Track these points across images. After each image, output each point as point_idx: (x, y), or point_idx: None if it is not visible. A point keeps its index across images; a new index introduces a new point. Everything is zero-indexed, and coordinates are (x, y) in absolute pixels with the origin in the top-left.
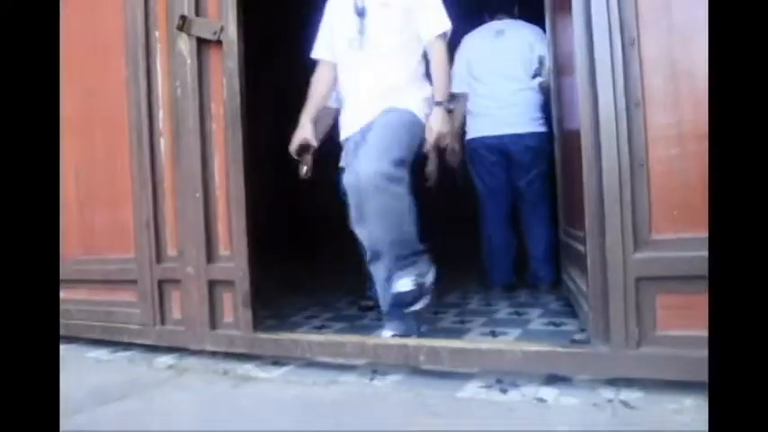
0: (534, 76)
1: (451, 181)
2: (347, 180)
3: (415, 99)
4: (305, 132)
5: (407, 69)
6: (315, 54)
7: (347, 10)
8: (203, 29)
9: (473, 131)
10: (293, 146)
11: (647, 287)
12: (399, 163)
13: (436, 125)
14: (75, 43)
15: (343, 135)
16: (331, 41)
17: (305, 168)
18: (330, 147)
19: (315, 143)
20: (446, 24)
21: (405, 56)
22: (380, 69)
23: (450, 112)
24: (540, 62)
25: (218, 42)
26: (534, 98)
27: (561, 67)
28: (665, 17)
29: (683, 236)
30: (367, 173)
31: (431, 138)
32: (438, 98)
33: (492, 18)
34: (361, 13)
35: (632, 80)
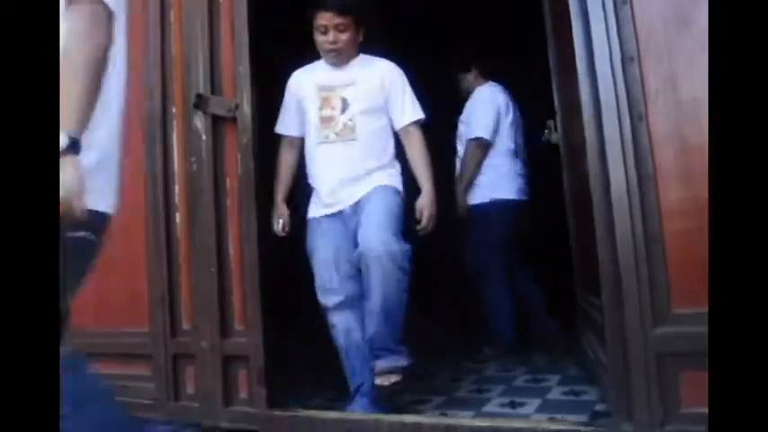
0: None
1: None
2: None
3: None
4: None
5: None
6: None
7: None
8: (219, 106)
9: (489, 193)
10: None
11: (669, 363)
12: None
13: None
14: None
15: None
16: None
17: (281, 222)
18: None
19: None
20: None
21: None
22: None
23: None
24: (549, 127)
25: (234, 119)
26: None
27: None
28: (671, 92)
29: (706, 310)
30: None
31: None
32: None
33: (492, 79)
34: None
35: (642, 155)
